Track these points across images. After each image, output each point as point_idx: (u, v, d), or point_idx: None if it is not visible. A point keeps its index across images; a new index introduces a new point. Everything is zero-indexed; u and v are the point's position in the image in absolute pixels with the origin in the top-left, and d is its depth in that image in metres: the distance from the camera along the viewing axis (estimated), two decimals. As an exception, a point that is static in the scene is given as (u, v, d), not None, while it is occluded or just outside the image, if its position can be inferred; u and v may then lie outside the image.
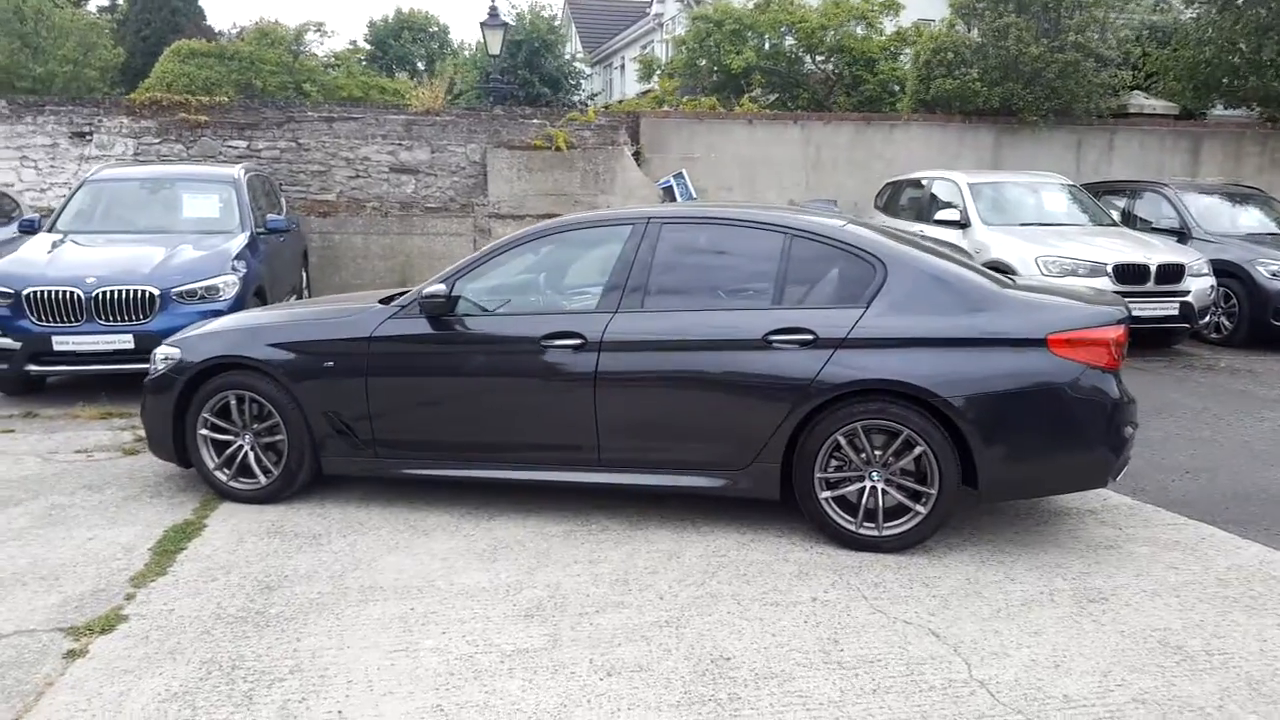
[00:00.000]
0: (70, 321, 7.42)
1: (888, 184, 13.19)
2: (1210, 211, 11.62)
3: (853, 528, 4.63)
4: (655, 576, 4.36)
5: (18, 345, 7.42)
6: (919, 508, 4.55)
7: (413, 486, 5.46)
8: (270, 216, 9.38)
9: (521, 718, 3.20)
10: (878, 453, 4.59)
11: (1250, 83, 15.39)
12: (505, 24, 15.81)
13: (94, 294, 7.41)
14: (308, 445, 5.23)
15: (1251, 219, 11.78)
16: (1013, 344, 4.49)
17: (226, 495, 5.37)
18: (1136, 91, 16.25)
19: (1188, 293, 9.65)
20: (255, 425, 5.32)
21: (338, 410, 5.15)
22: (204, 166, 10.83)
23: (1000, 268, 9.69)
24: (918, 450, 4.50)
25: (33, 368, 7.51)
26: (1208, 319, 10.17)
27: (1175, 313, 9.63)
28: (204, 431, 5.35)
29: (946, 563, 4.51)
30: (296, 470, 5.27)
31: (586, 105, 17.05)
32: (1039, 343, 4.46)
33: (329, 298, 7.23)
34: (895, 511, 4.61)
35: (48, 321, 7.41)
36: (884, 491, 4.60)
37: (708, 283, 4.95)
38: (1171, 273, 9.61)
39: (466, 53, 44.85)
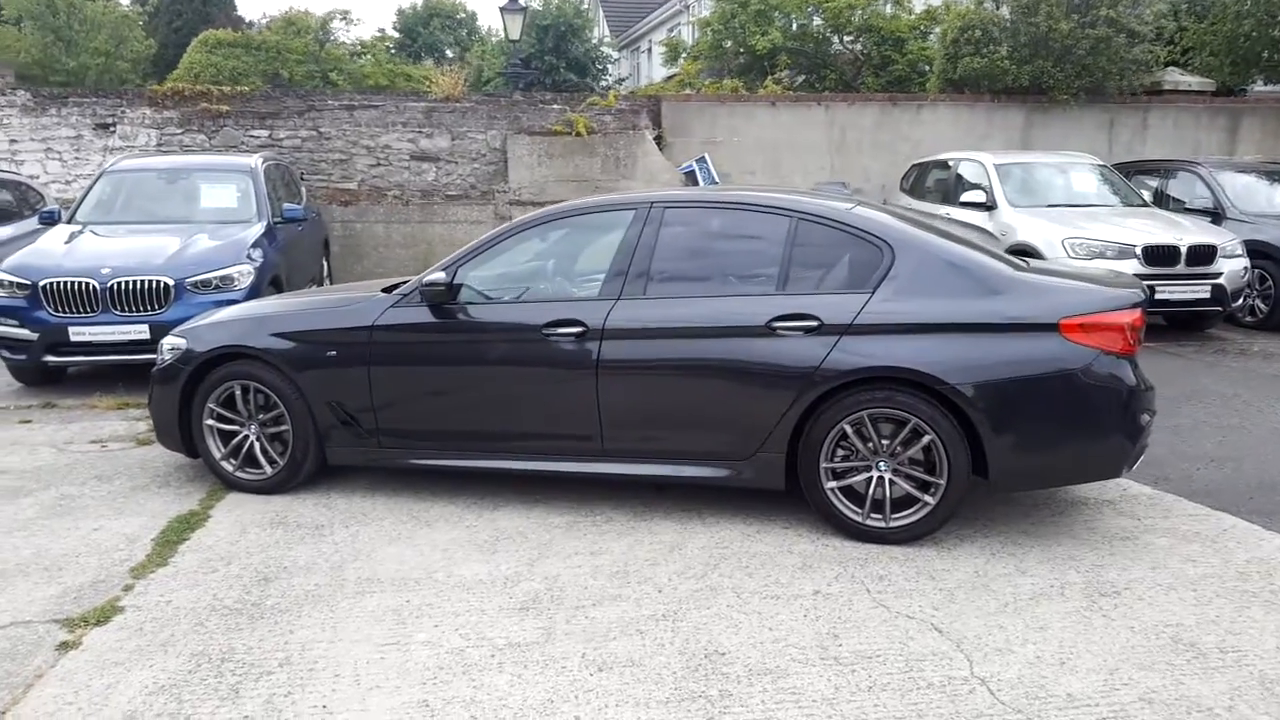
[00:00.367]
0: (86, 312, 7.44)
1: (913, 166, 13.00)
2: (1246, 191, 11.32)
3: (859, 519, 4.53)
4: (656, 569, 4.29)
5: (35, 336, 7.46)
6: (927, 498, 4.44)
7: (418, 476, 5.42)
8: (287, 206, 9.36)
9: (507, 713, 3.14)
10: (885, 442, 4.48)
11: (1291, 57, 15.04)
12: (524, 8, 15.69)
13: (109, 284, 7.43)
14: (312, 435, 5.20)
15: (1289, 198, 11.48)
16: (1024, 329, 4.37)
17: (233, 485, 5.36)
18: (1172, 68, 15.89)
19: (1220, 275, 9.41)
20: (261, 415, 5.29)
21: (341, 400, 5.12)
22: (222, 156, 10.85)
23: (1026, 250, 9.55)
24: (926, 439, 4.39)
25: (50, 358, 7.54)
26: (1241, 302, 9.92)
27: (1207, 296, 9.40)
28: (210, 422, 5.34)
29: (956, 555, 4.41)
30: (302, 460, 5.25)
31: (607, 90, 16.88)
32: (1051, 327, 4.33)
33: (334, 287, 7.21)
34: (903, 502, 4.51)
35: (64, 312, 7.44)
36: (891, 482, 4.49)
37: (712, 268, 4.85)
38: (1203, 254, 9.37)
39: (494, 39, 44.83)
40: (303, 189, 11.51)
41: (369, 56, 31.52)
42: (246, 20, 38.36)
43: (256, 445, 5.31)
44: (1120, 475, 4.56)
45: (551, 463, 4.97)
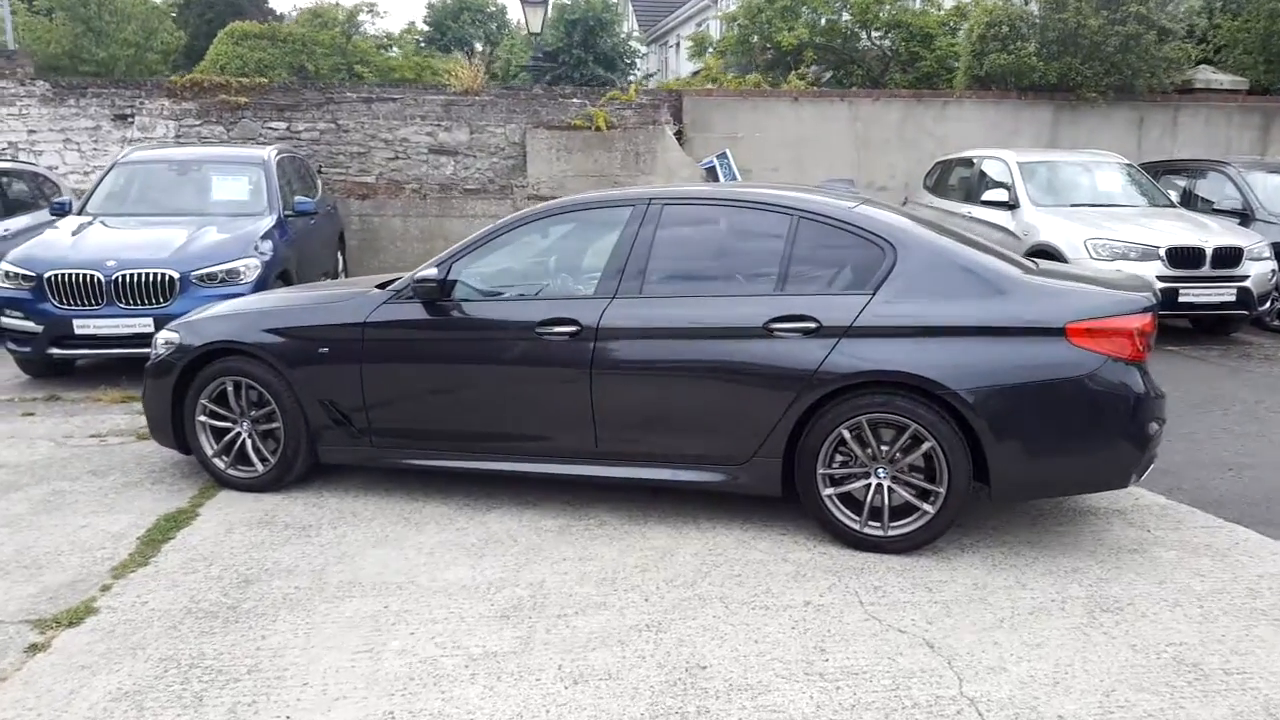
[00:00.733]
0: (91, 305, 7.41)
1: (937, 163, 12.80)
2: (1277, 192, 11.04)
3: (857, 527, 4.40)
4: (644, 576, 4.17)
5: (40, 328, 7.44)
6: (927, 507, 4.30)
7: (412, 476, 5.33)
8: (298, 199, 9.31)
9: (475, 728, 3.04)
10: (884, 448, 4.34)
11: (1327, 55, 14.69)
12: (545, 1, 15.57)
13: (114, 277, 7.39)
14: (304, 434, 5.12)
15: (1323, 200, 11.18)
16: (1029, 333, 4.22)
17: (225, 483, 5.29)
18: (1204, 66, 15.55)
19: (1246, 277, 9.17)
20: (253, 412, 5.22)
21: (333, 398, 5.03)
22: (234, 148, 10.81)
23: (1048, 250, 9.35)
24: (926, 446, 4.25)
25: (55, 351, 7.51)
26: (1268, 305, 9.67)
27: (1232, 299, 9.16)
28: (202, 418, 5.27)
29: (955, 565, 4.26)
30: (293, 459, 5.17)
31: (629, 84, 16.73)
32: (1057, 332, 4.18)
33: (331, 282, 7.14)
34: (902, 510, 4.37)
35: (69, 304, 7.41)
36: (890, 489, 4.36)
37: (710, 267, 4.74)
38: (1229, 256, 9.13)
39: (524, 33, 44.69)
40: (319, 182, 11.48)
41: (397, 50, 31.52)
42: (277, 13, 38.50)
43: (248, 443, 5.24)
44: (1127, 486, 4.40)
45: (544, 465, 4.86)
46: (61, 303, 7.41)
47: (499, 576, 4.16)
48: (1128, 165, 11.23)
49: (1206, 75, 15.08)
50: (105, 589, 4.06)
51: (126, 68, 29.31)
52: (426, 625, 3.71)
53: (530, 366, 4.76)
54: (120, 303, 7.42)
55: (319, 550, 4.46)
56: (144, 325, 7.38)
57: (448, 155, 13.42)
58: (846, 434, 4.35)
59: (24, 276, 7.49)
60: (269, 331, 5.13)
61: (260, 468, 5.23)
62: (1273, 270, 9.47)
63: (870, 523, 4.38)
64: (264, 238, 8.27)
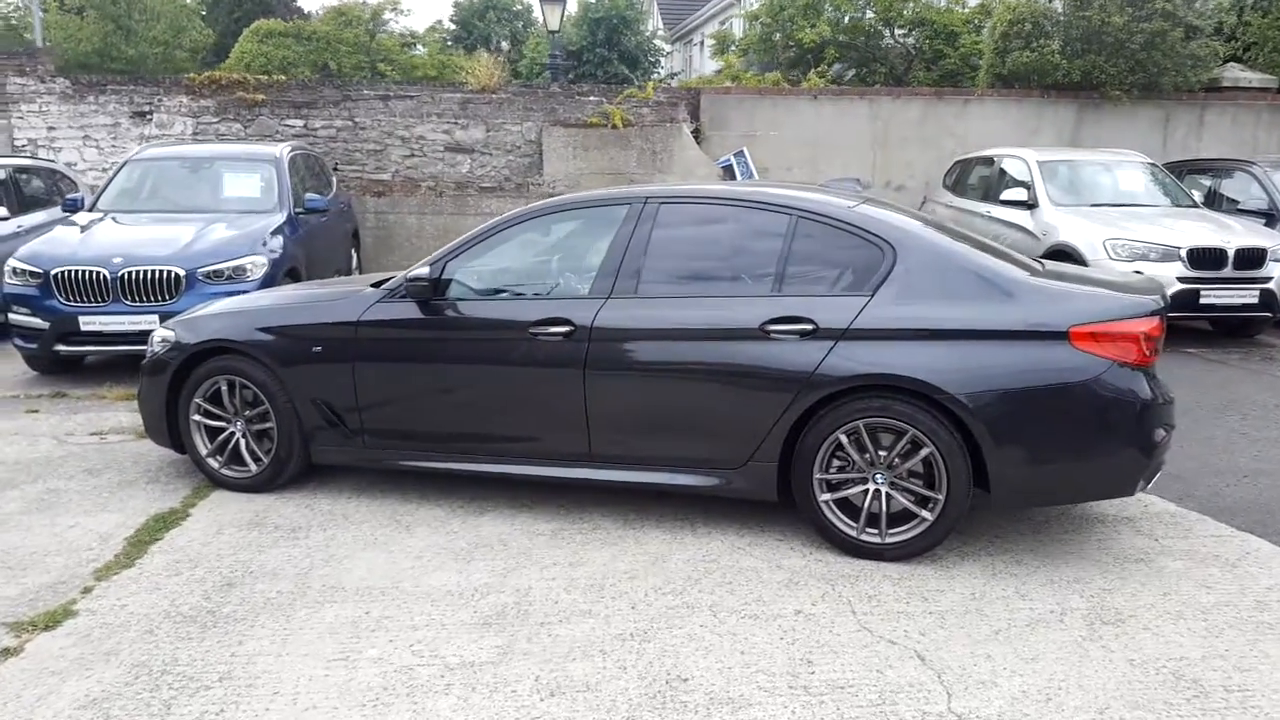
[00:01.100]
0: (97, 301, 7.40)
1: (957, 162, 12.63)
2: (1304, 192, 10.81)
3: (854, 533, 4.29)
4: (634, 582, 4.08)
5: (46, 325, 7.44)
6: (925, 514, 4.19)
7: (406, 477, 5.26)
8: (309, 196, 9.28)
9: (445, 741, 2.96)
10: (882, 453, 4.23)
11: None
12: (563, -2, 15.51)
13: (120, 274, 7.37)
14: (297, 434, 5.06)
15: (1351, 200, 10.92)
16: (1031, 336, 4.09)
17: (218, 483, 5.24)
18: (1232, 64, 15.26)
19: (1270, 279, 8.95)
20: (247, 412, 5.17)
21: (326, 398, 4.97)
22: (246, 145, 10.78)
23: (1067, 250, 9.19)
24: (925, 451, 4.14)
25: (61, 348, 7.51)
26: (1294, 307, 9.44)
27: (1255, 300, 8.94)
28: (196, 417, 5.22)
29: (953, 574, 4.15)
30: (286, 459, 5.11)
31: (645, 83, 16.63)
32: (1060, 335, 4.05)
33: (329, 280, 7.08)
34: (901, 517, 4.26)
35: (75, 301, 7.40)
36: (888, 495, 4.24)
37: (706, 267, 4.63)
38: (1252, 257, 8.92)
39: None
40: (333, 179, 11.45)
41: (422, 48, 31.55)
42: (306, 11, 38.60)
43: (242, 442, 5.19)
44: (1133, 494, 4.26)
45: (537, 467, 4.78)
46: (68, 299, 7.40)
47: (485, 582, 4.08)
48: (1150, 164, 11.02)
49: (1234, 73, 14.81)
50: (87, 591, 4.01)
51: (155, 66, 29.49)
52: (406, 632, 3.64)
53: (523, 367, 4.68)
54: (126, 300, 7.40)
55: (306, 553, 4.39)
56: (150, 322, 7.31)
57: (464, 153, 13.38)
58: (844, 438, 4.24)
59: (31, 273, 7.49)
60: (263, 330, 5.08)
61: (254, 468, 5.17)
62: (1298, 272, 9.24)
63: (868, 529, 4.27)
64: (273, 235, 8.25)
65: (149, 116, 12.81)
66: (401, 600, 3.91)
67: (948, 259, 4.32)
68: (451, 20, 46.07)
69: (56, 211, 10.18)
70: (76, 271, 7.38)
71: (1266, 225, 10.16)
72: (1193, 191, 11.08)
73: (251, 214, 8.57)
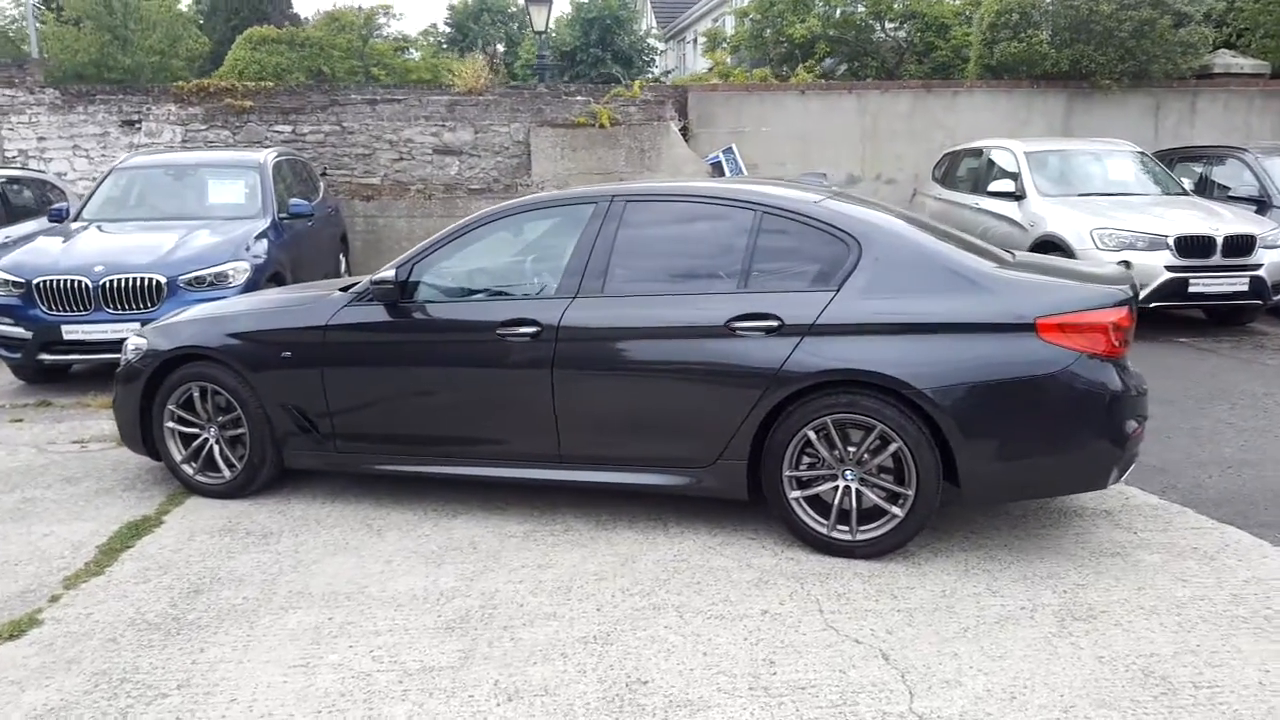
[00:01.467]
0: (80, 310, 7.39)
1: (946, 154, 12.57)
2: (1295, 178, 10.73)
3: (825, 531, 4.26)
4: (601, 584, 4.05)
5: (29, 335, 7.43)
6: (896, 510, 4.15)
7: (381, 482, 5.24)
8: (293, 201, 9.26)
9: (397, 748, 2.94)
10: (851, 449, 4.20)
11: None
12: (549, -1, 15.48)
13: (101, 283, 7.36)
14: (269, 439, 5.04)
15: (1344, 186, 10.84)
16: (998, 329, 4.05)
17: (193, 489, 5.22)
18: (1223, 50, 15.19)
19: (1259, 266, 8.88)
20: (220, 418, 5.15)
21: (296, 402, 4.95)
22: (230, 152, 10.79)
23: (1055, 241, 9.16)
24: (893, 447, 4.10)
25: (44, 357, 7.51)
26: (1286, 293, 9.38)
27: (1245, 288, 8.88)
28: (170, 424, 5.21)
29: (925, 571, 4.11)
30: (259, 465, 5.09)
31: (632, 81, 16.60)
32: (1028, 327, 4.02)
33: (297, 285, 7.06)
34: (872, 514, 4.22)
35: (58, 310, 7.39)
36: (859, 492, 4.21)
37: (673, 265, 4.60)
38: (1241, 245, 8.86)
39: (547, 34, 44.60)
40: (321, 184, 11.43)
41: (416, 52, 31.54)
42: (303, 18, 38.56)
43: (215, 449, 5.17)
44: (1105, 487, 4.22)
45: (507, 469, 4.76)
46: (50, 309, 7.39)
47: (451, 586, 4.06)
48: (1140, 153, 10.97)
49: (1226, 59, 14.74)
50: (54, 599, 4.00)
51: (152, 75, 29.51)
52: (368, 638, 3.61)
53: (491, 369, 4.66)
54: (108, 308, 7.39)
55: (275, 559, 4.37)
56: (132, 330, 7.33)
57: (452, 155, 13.35)
58: (812, 435, 4.21)
59: (14, 283, 7.48)
60: (233, 336, 5.06)
61: (227, 474, 5.16)
62: (1289, 258, 9.18)
63: (839, 526, 4.24)
64: (256, 240, 8.23)
65: (138, 125, 12.81)
66: (366, 605, 3.89)
67: (914, 252, 4.28)
68: (446, 23, 46.07)
69: (44, 222, 10.18)
70: (59, 281, 7.37)
71: (1258, 212, 10.09)
72: (1184, 179, 11.03)
73: (235, 220, 8.56)
